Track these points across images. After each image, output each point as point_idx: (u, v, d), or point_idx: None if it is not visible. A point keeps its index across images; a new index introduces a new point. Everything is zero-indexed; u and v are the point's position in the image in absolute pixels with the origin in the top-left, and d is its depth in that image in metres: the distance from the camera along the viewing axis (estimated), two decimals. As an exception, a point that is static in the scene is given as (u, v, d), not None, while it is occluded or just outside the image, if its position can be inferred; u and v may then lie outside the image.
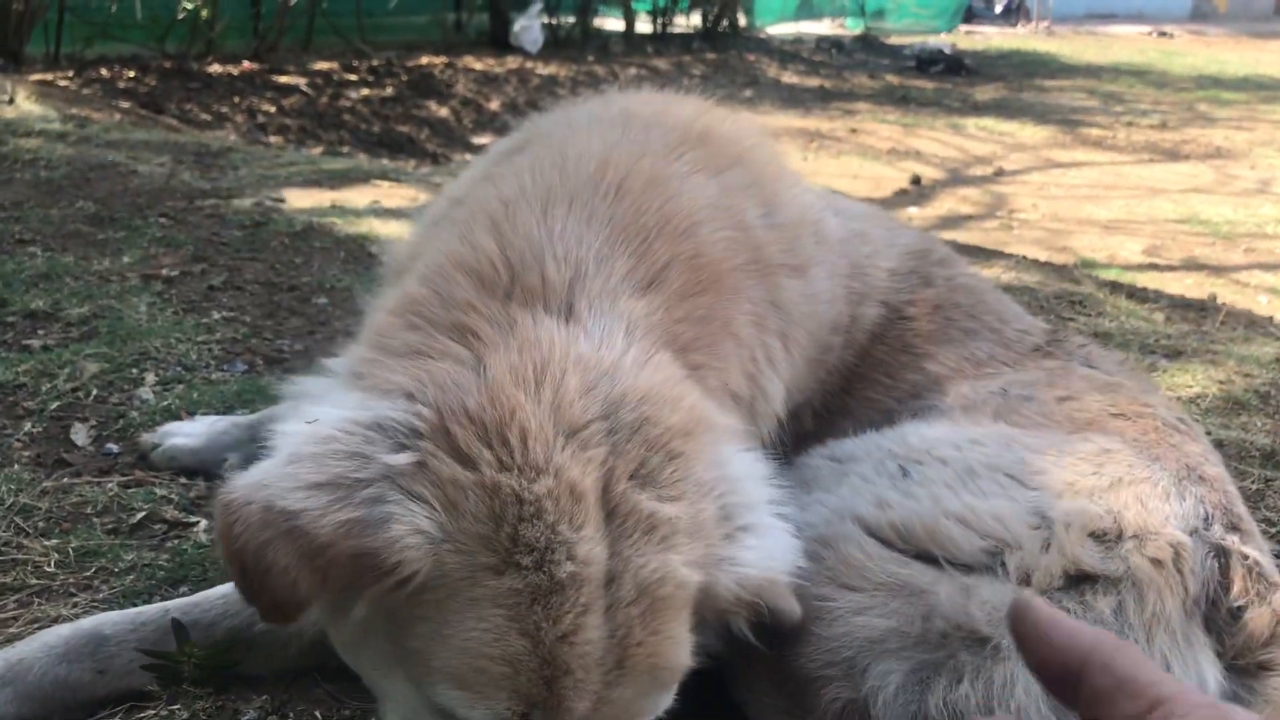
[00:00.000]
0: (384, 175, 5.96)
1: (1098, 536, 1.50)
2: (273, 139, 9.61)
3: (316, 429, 1.26)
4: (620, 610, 1.22)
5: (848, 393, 1.96)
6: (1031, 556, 1.48)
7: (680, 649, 1.29)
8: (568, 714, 1.21)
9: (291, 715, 1.72)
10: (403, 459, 1.21)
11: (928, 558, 1.51)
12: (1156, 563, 1.47)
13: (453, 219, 1.68)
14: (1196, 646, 1.45)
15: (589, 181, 1.60)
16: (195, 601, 1.79)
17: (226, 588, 1.80)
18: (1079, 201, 9.71)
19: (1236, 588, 1.50)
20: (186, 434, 2.41)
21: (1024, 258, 5.58)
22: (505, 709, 1.20)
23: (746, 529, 1.35)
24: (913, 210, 9.23)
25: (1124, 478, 1.60)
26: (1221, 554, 1.52)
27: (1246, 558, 1.52)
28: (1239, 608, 1.48)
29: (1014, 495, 1.57)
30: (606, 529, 1.23)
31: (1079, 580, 1.46)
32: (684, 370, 1.46)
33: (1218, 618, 1.48)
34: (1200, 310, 4.31)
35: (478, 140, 10.98)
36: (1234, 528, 1.58)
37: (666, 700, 1.32)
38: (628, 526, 1.24)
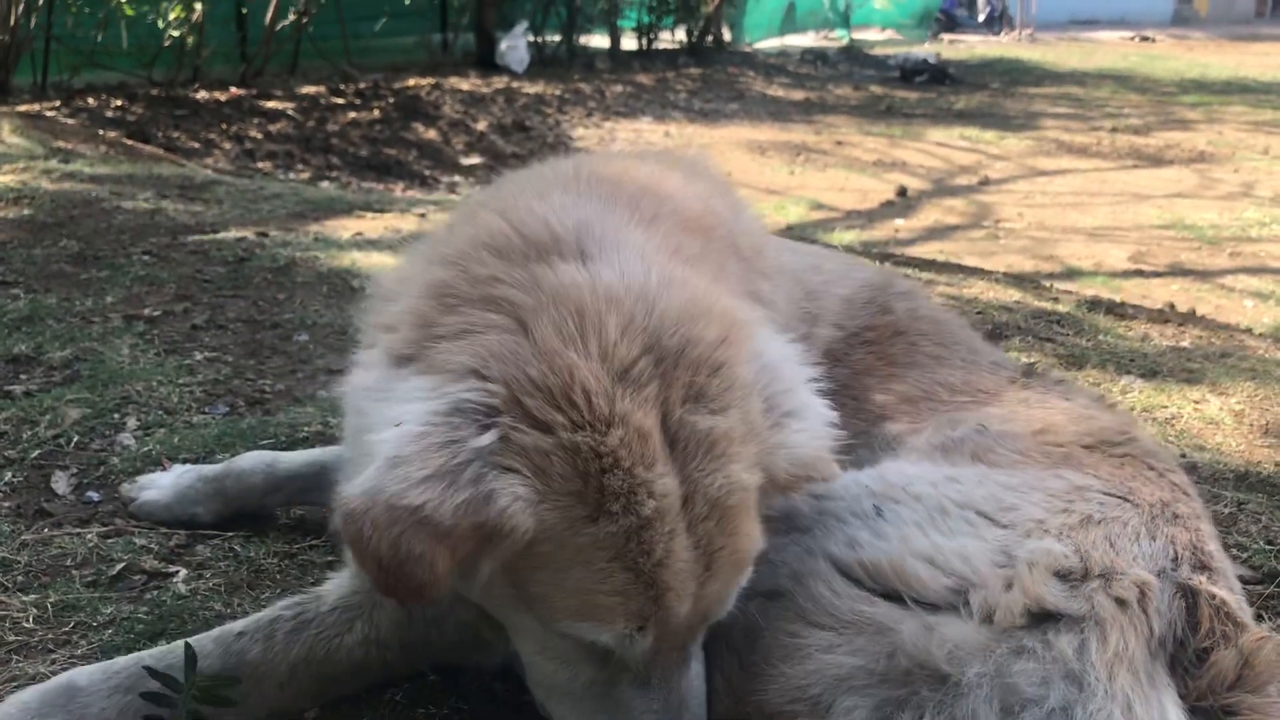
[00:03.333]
0: (367, 206, 5.97)
1: (1062, 575, 1.50)
2: (260, 165, 9.63)
3: (406, 430, 1.38)
4: (699, 525, 1.41)
5: None
6: (994, 594, 1.48)
7: (753, 538, 1.49)
8: (675, 618, 1.43)
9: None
10: (488, 439, 1.36)
11: (895, 596, 1.53)
12: (1121, 602, 1.47)
13: (448, 236, 1.79)
14: (1160, 687, 1.43)
15: (571, 176, 1.80)
16: (170, 649, 1.81)
17: (199, 637, 1.81)
18: (1064, 209, 9.75)
19: (1204, 628, 1.48)
20: (159, 488, 2.42)
21: (1003, 274, 5.61)
22: (623, 628, 1.42)
23: (791, 413, 1.53)
24: (899, 222, 9.27)
25: (1094, 516, 1.61)
26: (1189, 594, 1.51)
27: (1214, 598, 1.51)
28: (1205, 649, 1.47)
29: (983, 533, 1.58)
30: (673, 458, 1.40)
31: (1041, 619, 1.46)
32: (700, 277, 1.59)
33: (1184, 658, 1.47)
34: (1179, 325, 4.33)
35: (466, 161, 11.01)
36: (1203, 566, 1.58)
37: (747, 574, 1.52)
38: (690, 449, 1.41)
